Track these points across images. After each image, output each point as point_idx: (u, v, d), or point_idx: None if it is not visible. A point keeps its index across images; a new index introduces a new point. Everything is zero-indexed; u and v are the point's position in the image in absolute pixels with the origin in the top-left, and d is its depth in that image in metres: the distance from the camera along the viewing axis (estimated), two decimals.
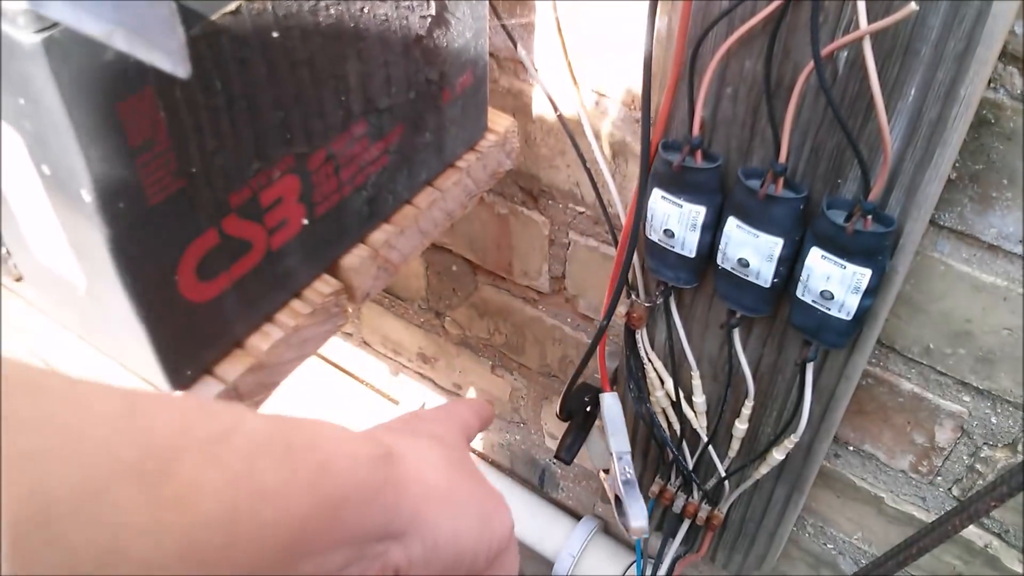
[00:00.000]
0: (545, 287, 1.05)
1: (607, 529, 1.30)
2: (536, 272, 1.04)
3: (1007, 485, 0.69)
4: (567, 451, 1.00)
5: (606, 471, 0.90)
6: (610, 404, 0.90)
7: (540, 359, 1.15)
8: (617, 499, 0.89)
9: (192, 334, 0.55)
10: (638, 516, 0.86)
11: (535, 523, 1.31)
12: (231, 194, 0.53)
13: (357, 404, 1.46)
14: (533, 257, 1.02)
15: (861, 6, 0.54)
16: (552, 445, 1.29)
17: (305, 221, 0.59)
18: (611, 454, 0.89)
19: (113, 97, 0.43)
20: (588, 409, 0.98)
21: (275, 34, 0.49)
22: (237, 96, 0.49)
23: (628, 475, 0.88)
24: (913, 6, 0.52)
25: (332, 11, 0.52)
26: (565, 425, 1.01)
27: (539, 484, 1.37)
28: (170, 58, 0.31)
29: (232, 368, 0.59)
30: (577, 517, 1.31)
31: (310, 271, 0.63)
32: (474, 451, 1.42)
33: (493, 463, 1.40)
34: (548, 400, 1.22)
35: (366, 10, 0.54)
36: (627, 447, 0.89)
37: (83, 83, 0.41)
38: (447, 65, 0.64)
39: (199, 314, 0.55)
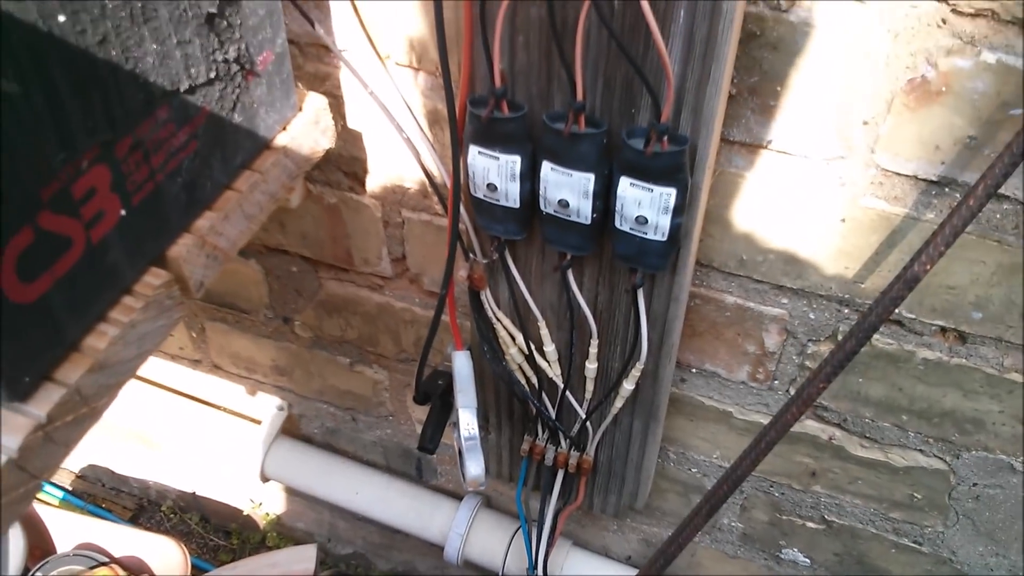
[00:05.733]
0: (388, 271, 1.06)
1: (490, 504, 1.33)
2: (376, 257, 1.05)
3: (830, 365, 0.76)
4: (430, 441, 1.01)
5: (455, 424, 0.92)
6: (461, 362, 0.92)
7: (396, 345, 1.16)
8: (460, 453, 0.92)
9: (24, 339, 0.54)
10: (474, 466, 0.90)
11: (419, 513, 1.32)
12: (41, 188, 0.52)
13: (219, 432, 1.43)
14: (371, 242, 1.03)
15: None
16: None
17: (123, 212, 0.59)
18: (457, 410, 0.91)
19: None
20: (443, 393, 1.00)
21: (61, 18, 0.49)
22: (32, 83, 0.49)
23: (471, 431, 0.90)
24: None
25: None
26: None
27: (417, 475, 1.38)
28: None
29: (71, 371, 0.58)
30: (460, 499, 1.33)
31: (137, 264, 0.62)
32: (348, 454, 1.41)
33: (368, 462, 1.40)
34: (411, 386, 1.23)
35: None
36: (473, 403, 0.92)
37: None
38: (244, 43, 0.65)
39: (27, 317, 0.54)
